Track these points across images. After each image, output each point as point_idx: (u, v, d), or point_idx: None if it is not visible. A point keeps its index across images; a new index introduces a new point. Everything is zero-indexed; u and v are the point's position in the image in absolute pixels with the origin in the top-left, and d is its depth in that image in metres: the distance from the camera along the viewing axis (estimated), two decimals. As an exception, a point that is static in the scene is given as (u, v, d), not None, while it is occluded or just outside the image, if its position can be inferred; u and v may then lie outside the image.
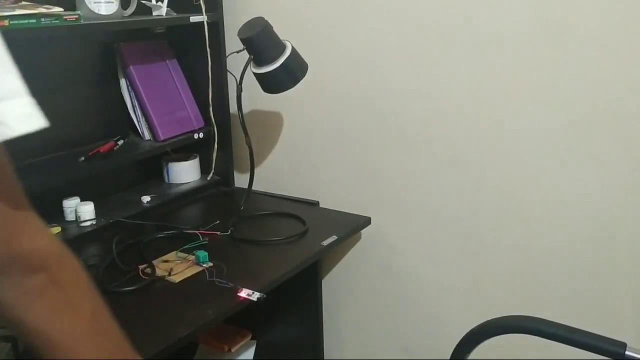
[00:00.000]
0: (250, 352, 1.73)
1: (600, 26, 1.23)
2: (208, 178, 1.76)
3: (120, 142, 1.57)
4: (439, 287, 1.57)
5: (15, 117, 0.50)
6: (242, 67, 1.41)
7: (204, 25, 1.60)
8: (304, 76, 1.44)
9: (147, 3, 1.56)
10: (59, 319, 0.58)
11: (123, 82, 1.59)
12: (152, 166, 1.75)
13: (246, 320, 1.71)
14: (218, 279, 1.21)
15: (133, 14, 1.53)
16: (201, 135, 1.69)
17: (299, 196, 1.71)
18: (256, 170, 1.56)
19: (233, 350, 1.68)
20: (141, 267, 1.27)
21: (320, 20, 1.57)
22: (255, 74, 1.42)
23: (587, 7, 1.23)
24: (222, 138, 1.72)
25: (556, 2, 1.26)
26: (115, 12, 1.46)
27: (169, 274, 1.24)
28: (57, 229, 1.43)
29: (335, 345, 1.78)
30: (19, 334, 0.59)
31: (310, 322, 1.66)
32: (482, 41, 1.36)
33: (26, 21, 1.18)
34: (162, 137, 1.60)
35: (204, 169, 1.77)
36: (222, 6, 1.66)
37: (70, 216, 1.48)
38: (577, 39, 1.26)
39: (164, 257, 1.33)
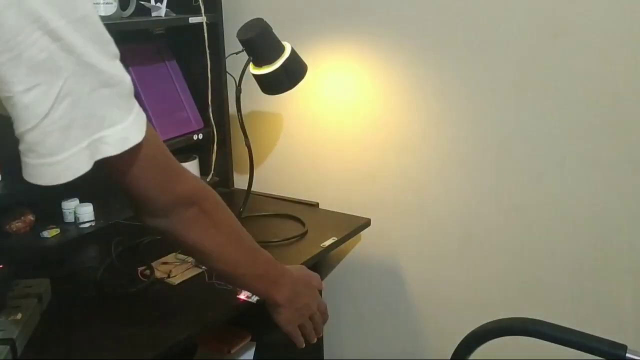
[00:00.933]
0: (250, 354, 1.72)
1: (600, 26, 1.23)
2: (207, 179, 1.76)
3: (120, 144, 1.56)
4: (439, 289, 1.57)
5: (116, 140, 0.63)
6: (242, 68, 1.41)
7: (203, 26, 1.60)
8: (303, 77, 1.43)
9: (146, 4, 1.56)
10: (208, 236, 0.83)
11: (122, 83, 1.58)
12: (151, 167, 1.75)
13: (246, 321, 1.71)
14: (217, 281, 1.21)
15: (132, 14, 1.53)
16: (200, 136, 1.68)
17: (298, 197, 1.71)
18: (256, 172, 1.56)
19: (233, 351, 1.68)
20: (140, 269, 1.27)
21: (320, 20, 1.56)
22: (254, 75, 1.41)
23: (587, 7, 1.23)
24: (222, 139, 1.72)
25: (556, 2, 1.26)
26: (114, 13, 1.46)
27: (168, 276, 1.24)
28: (55, 231, 1.42)
29: (335, 345, 1.78)
30: (185, 251, 0.87)
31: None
32: (481, 41, 1.36)
33: (25, 22, 1.18)
34: (161, 138, 1.59)
35: (203, 170, 1.77)
36: (221, 7, 1.66)
37: (69, 217, 1.48)
38: (577, 38, 1.25)
39: (163, 259, 1.33)
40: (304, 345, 1.06)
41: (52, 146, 0.59)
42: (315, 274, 1.10)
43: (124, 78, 0.64)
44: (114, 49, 0.64)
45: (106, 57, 0.62)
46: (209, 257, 0.86)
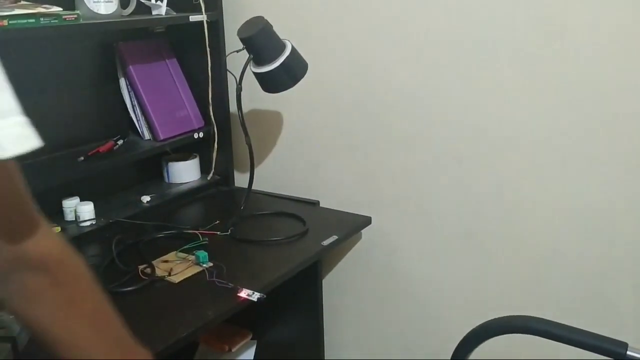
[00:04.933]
0: (250, 352, 1.72)
1: (600, 26, 1.23)
2: (208, 178, 1.76)
3: (120, 142, 1.57)
4: (439, 287, 1.57)
5: (8, 137, 0.50)
6: (242, 66, 1.40)
7: (203, 24, 1.60)
8: (303, 75, 1.43)
9: (147, 2, 1.56)
10: (59, 317, 0.61)
11: (122, 82, 1.58)
12: (151, 166, 1.75)
13: (246, 320, 1.71)
14: (218, 279, 1.21)
15: (132, 13, 1.53)
16: (201, 134, 1.68)
17: (299, 196, 1.70)
18: (256, 170, 1.56)
19: (233, 350, 1.68)
20: (141, 267, 1.27)
21: (320, 19, 1.56)
22: (255, 73, 1.41)
23: (588, 7, 1.23)
24: (222, 138, 1.72)
25: (556, 2, 1.26)
26: (115, 11, 1.46)
27: (169, 274, 1.24)
28: (56, 229, 1.42)
29: (335, 345, 1.78)
30: (26, 331, 0.64)
31: (310, 322, 1.66)
32: (481, 41, 1.36)
33: (25, 21, 1.18)
34: (161, 137, 1.59)
35: (204, 169, 1.77)
36: (221, 5, 1.66)
37: (69, 216, 1.48)
38: (577, 38, 1.25)
39: (164, 257, 1.33)
40: None
41: None
42: None
43: None
44: None
45: None
46: (59, 346, 0.62)
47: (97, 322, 0.65)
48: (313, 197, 1.68)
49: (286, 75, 1.40)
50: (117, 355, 0.66)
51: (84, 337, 0.63)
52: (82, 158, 1.45)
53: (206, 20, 1.60)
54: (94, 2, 1.41)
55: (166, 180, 1.75)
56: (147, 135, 1.62)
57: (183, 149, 1.73)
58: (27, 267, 0.58)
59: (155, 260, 1.30)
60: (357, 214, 1.58)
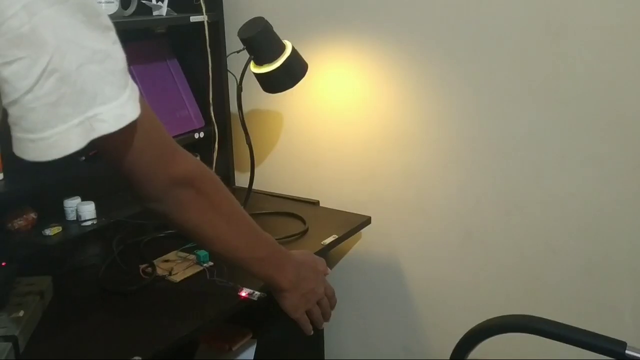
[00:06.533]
0: (250, 352, 1.72)
1: (601, 25, 1.23)
2: (208, 177, 1.76)
3: (121, 142, 1.57)
4: (439, 287, 1.57)
5: (111, 117, 0.61)
6: (243, 66, 1.41)
7: (204, 25, 1.60)
8: (304, 76, 1.43)
9: (148, 3, 1.56)
10: (206, 219, 0.80)
11: (123, 82, 1.58)
12: (152, 166, 1.75)
13: (247, 319, 1.71)
14: (218, 279, 1.22)
15: (133, 13, 1.53)
16: (201, 134, 1.68)
17: (299, 195, 1.71)
18: (256, 170, 1.56)
19: (234, 349, 1.68)
20: (142, 266, 1.28)
21: (321, 19, 1.57)
22: (255, 73, 1.42)
23: (588, 6, 1.23)
24: (223, 137, 1.72)
25: (557, 1, 1.26)
26: (116, 12, 1.46)
27: (170, 274, 1.25)
28: (57, 229, 1.43)
29: (335, 345, 1.78)
30: (184, 234, 0.82)
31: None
32: (481, 40, 1.36)
33: (27, 21, 1.18)
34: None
35: (205, 169, 1.77)
36: (222, 6, 1.66)
37: (71, 216, 1.48)
38: (578, 38, 1.26)
39: (165, 257, 1.33)
40: (312, 333, 1.04)
41: (36, 122, 0.57)
42: (321, 258, 1.05)
43: (114, 53, 0.61)
44: (105, 21, 0.61)
45: (93, 32, 0.59)
46: (208, 241, 0.84)
47: (232, 220, 0.84)
48: (313, 197, 1.69)
49: (286, 76, 1.41)
50: (251, 243, 0.88)
51: (224, 231, 0.83)
52: (83, 158, 1.46)
53: (207, 21, 1.60)
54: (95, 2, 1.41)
55: (167, 180, 1.75)
56: (147, 135, 1.62)
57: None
58: (178, 184, 0.75)
59: (156, 260, 1.31)
60: (357, 214, 1.58)
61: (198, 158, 0.80)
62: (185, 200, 0.77)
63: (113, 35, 0.62)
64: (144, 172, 0.72)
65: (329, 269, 1.07)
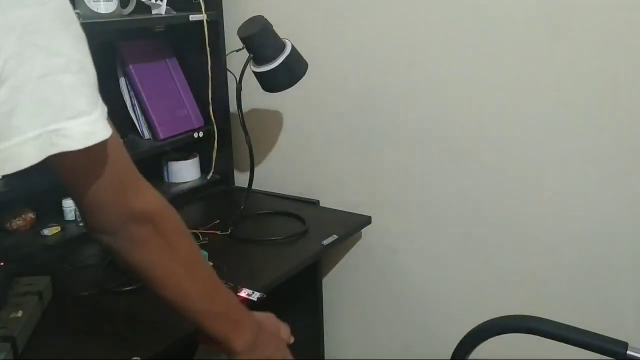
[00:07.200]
0: (250, 352, 1.72)
1: (602, 23, 1.22)
2: (208, 177, 1.76)
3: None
4: (439, 287, 1.57)
5: (80, 133, 0.56)
6: (242, 65, 1.40)
7: (203, 23, 1.60)
8: (303, 75, 1.43)
9: (147, 1, 1.56)
10: (161, 260, 0.73)
11: (122, 81, 1.58)
12: (151, 165, 1.75)
13: (246, 319, 1.71)
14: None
15: (132, 12, 1.53)
16: (201, 134, 1.68)
17: (299, 195, 1.70)
18: (256, 169, 1.56)
19: (233, 349, 1.68)
20: (141, 266, 1.27)
21: (320, 18, 1.56)
22: (255, 72, 1.41)
23: (590, 4, 1.23)
24: (222, 137, 1.72)
25: (558, 1, 1.26)
26: (115, 10, 1.45)
27: (169, 274, 1.24)
28: (56, 229, 1.42)
29: (335, 345, 1.78)
30: (133, 274, 0.75)
31: (311, 322, 1.66)
32: (482, 40, 1.35)
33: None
34: (161, 136, 1.59)
35: (204, 168, 1.77)
36: (221, 5, 1.66)
37: (69, 216, 1.48)
38: (579, 36, 1.25)
39: (164, 257, 1.32)
40: None
41: None
42: (285, 324, 0.95)
43: (89, 65, 0.57)
44: (80, 30, 0.57)
45: (69, 39, 0.55)
46: (160, 285, 0.75)
47: (190, 265, 0.76)
48: (313, 197, 1.68)
49: (286, 75, 1.40)
50: (207, 295, 0.79)
51: (179, 277, 0.75)
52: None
53: (206, 20, 1.60)
54: (94, 1, 1.41)
55: (166, 180, 1.75)
56: (147, 134, 1.62)
57: (183, 149, 1.73)
58: (135, 218, 0.68)
59: (155, 260, 1.30)
60: (357, 214, 1.58)
61: (161, 196, 0.73)
62: (140, 238, 0.70)
63: (87, 46, 0.58)
64: (100, 199, 0.65)
65: (292, 337, 0.96)
